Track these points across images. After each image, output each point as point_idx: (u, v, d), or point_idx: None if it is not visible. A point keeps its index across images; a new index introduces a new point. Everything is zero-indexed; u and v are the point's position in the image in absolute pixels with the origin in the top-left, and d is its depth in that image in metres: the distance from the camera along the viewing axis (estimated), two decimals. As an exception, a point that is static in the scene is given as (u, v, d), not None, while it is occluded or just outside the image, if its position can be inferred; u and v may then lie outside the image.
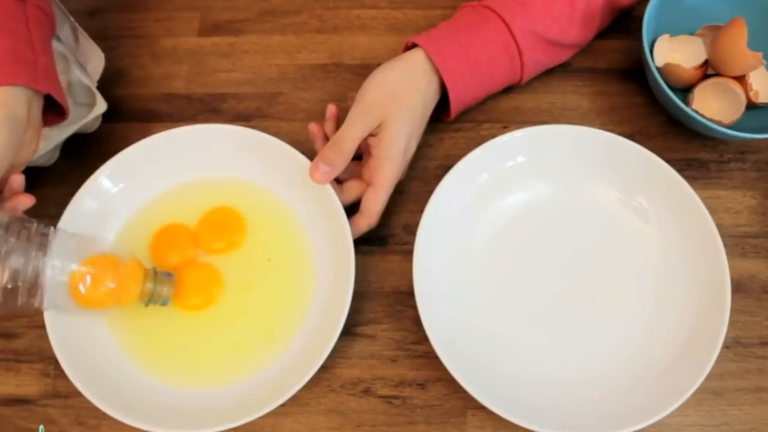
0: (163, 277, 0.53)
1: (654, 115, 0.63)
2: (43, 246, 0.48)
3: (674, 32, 0.62)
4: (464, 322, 0.55)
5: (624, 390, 0.53)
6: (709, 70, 0.61)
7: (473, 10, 0.58)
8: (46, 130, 0.59)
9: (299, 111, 0.64)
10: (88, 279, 0.49)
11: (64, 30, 0.61)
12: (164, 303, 0.53)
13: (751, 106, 0.60)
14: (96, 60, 0.61)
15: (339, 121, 0.57)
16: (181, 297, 0.54)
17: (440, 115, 0.60)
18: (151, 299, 0.52)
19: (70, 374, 0.50)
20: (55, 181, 0.61)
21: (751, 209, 0.60)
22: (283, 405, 0.49)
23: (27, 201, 0.51)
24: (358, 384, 0.55)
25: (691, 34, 0.62)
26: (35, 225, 0.49)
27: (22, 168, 0.53)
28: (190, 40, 0.67)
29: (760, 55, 0.57)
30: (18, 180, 0.51)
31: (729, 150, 0.62)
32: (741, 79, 0.60)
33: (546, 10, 0.57)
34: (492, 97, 0.62)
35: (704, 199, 0.54)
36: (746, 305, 0.57)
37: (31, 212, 0.51)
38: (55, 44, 0.57)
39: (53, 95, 0.51)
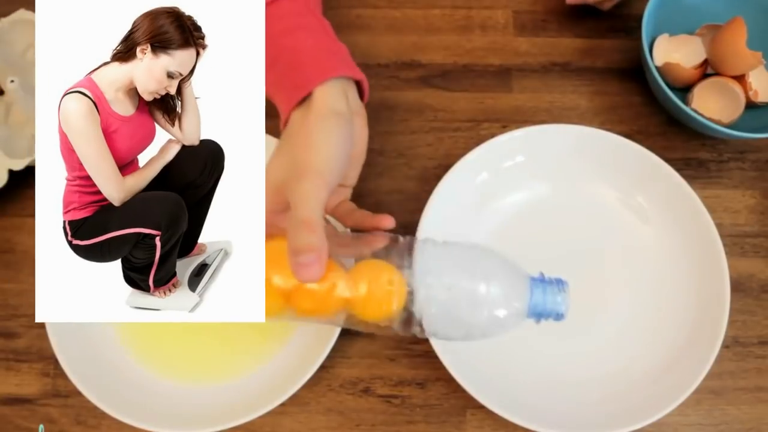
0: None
1: (653, 114, 0.63)
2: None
3: (673, 32, 0.62)
4: (464, 322, 0.55)
5: (624, 390, 0.53)
6: (708, 70, 0.61)
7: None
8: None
9: (299, 110, 0.64)
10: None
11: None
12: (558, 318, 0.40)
13: (751, 105, 0.60)
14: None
15: None
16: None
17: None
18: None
19: (70, 374, 0.50)
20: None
21: (750, 209, 0.60)
22: (282, 404, 0.50)
23: (388, 222, 0.44)
24: (358, 383, 0.55)
25: (691, 33, 0.62)
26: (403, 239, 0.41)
27: (363, 160, 0.49)
28: (190, 39, 0.67)
29: (759, 54, 0.57)
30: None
31: (728, 149, 0.62)
32: (740, 79, 0.60)
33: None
34: (491, 97, 0.62)
35: (703, 199, 0.54)
36: (745, 304, 0.57)
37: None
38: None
39: (361, 82, 0.48)
